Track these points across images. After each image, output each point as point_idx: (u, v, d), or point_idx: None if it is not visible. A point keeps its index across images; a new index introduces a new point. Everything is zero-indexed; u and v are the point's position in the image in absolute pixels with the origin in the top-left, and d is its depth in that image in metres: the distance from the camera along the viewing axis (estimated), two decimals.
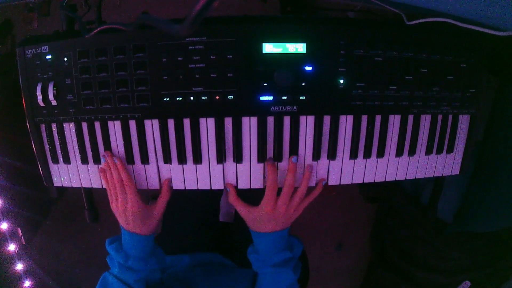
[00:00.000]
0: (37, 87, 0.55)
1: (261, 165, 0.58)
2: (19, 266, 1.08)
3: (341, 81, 0.56)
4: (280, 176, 0.58)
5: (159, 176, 0.59)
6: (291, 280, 0.58)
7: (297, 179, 0.57)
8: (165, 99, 0.55)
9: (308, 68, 0.54)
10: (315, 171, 0.59)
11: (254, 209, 0.56)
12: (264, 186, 0.58)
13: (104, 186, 0.58)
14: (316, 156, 0.58)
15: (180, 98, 0.55)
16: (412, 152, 0.61)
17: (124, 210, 0.55)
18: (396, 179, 0.63)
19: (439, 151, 0.63)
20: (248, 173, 0.58)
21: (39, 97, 0.55)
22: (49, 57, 0.55)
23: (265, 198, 0.55)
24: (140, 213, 0.55)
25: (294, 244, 0.59)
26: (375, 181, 0.62)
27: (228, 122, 0.56)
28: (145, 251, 0.57)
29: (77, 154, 0.59)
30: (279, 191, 0.56)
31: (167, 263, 0.69)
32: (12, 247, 1.04)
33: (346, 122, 0.58)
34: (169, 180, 0.58)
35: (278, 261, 0.57)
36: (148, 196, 0.61)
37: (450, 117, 0.62)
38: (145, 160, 0.58)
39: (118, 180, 0.55)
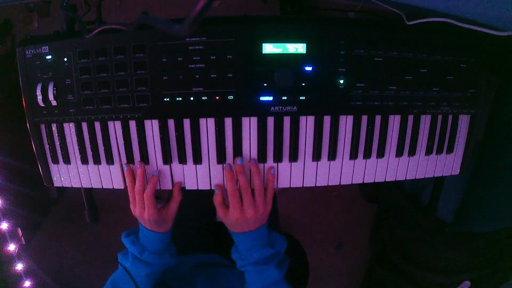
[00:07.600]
0: (37, 87, 0.55)
1: (261, 165, 0.58)
2: (19, 266, 1.08)
3: (341, 81, 0.56)
4: (285, 177, 0.58)
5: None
6: (276, 277, 0.57)
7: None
8: (165, 99, 0.55)
9: (308, 68, 0.54)
10: (315, 172, 0.59)
11: (229, 213, 0.57)
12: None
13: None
14: (316, 156, 0.58)
15: (180, 98, 0.55)
16: (412, 152, 0.61)
17: (141, 216, 0.57)
18: (396, 179, 0.63)
19: (439, 151, 0.63)
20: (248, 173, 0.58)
21: (39, 97, 0.55)
22: (49, 57, 0.55)
23: (230, 206, 0.56)
24: (156, 220, 0.57)
25: (276, 240, 0.59)
26: (375, 181, 0.62)
27: (228, 122, 0.56)
28: (161, 246, 0.59)
29: (77, 154, 0.59)
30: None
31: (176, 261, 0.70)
32: (12, 247, 1.04)
33: (346, 122, 0.58)
34: (180, 183, 0.59)
35: (258, 258, 0.57)
36: (159, 194, 0.60)
37: (450, 117, 0.62)
38: (145, 160, 0.58)
39: (140, 192, 0.56)
